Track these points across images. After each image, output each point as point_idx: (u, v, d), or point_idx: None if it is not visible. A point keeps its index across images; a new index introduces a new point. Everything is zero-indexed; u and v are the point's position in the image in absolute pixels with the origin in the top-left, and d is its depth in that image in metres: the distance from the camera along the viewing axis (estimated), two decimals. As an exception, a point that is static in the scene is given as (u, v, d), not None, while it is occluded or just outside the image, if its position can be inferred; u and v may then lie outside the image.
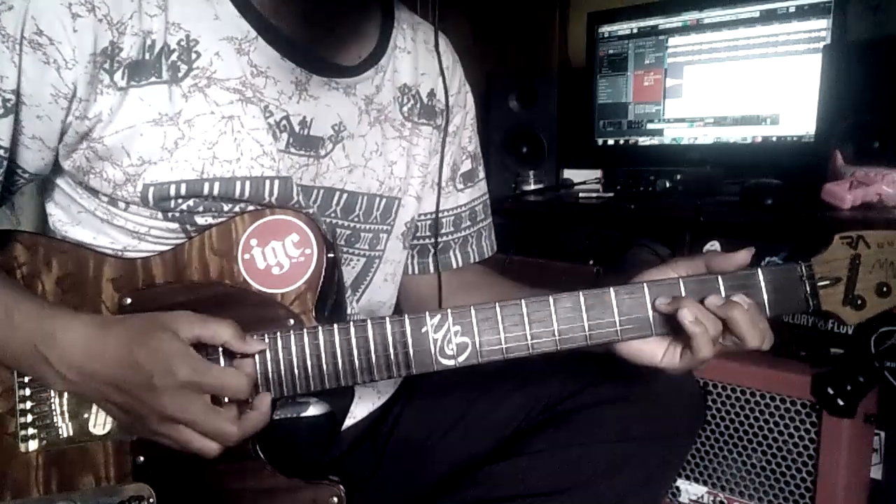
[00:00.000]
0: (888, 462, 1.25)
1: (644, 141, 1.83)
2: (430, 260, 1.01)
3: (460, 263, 1.02)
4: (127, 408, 0.67)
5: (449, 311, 0.71)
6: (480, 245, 1.04)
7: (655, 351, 0.72)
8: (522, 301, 0.70)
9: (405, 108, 0.90)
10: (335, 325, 0.71)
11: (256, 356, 0.70)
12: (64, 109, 0.68)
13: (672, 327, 0.70)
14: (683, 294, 0.70)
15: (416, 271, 1.01)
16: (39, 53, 0.65)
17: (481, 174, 1.04)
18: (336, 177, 0.83)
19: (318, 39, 0.78)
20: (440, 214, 0.97)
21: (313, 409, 0.86)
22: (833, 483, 1.17)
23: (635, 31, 1.81)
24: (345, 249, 0.87)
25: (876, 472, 1.27)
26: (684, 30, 1.73)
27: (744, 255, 0.72)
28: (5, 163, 0.69)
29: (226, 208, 0.75)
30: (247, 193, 0.74)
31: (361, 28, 0.84)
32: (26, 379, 0.72)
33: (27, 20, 0.64)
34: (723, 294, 0.71)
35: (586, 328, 0.70)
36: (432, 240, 0.99)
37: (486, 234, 1.05)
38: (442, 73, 0.90)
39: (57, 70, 0.66)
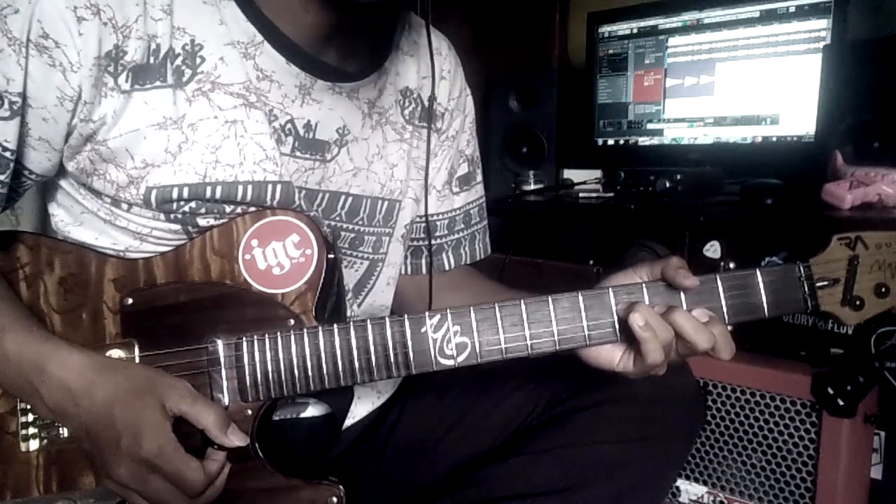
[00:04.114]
0: (888, 462, 1.26)
1: (644, 141, 1.83)
2: (423, 261, 1.01)
3: (452, 265, 1.02)
4: (93, 455, 0.68)
5: (448, 311, 0.71)
6: (473, 248, 1.04)
7: (613, 354, 0.73)
8: (522, 301, 0.70)
9: (406, 112, 0.90)
10: (335, 326, 0.71)
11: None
12: (69, 112, 0.68)
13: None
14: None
15: (409, 272, 1.02)
16: (45, 56, 0.65)
17: (478, 178, 1.04)
18: (342, 180, 0.83)
19: (325, 47, 0.78)
20: (434, 217, 0.98)
21: (313, 410, 0.87)
22: (833, 483, 1.17)
23: (635, 31, 1.81)
24: (349, 252, 0.87)
25: (876, 472, 1.27)
26: (684, 30, 1.73)
27: (690, 281, 0.70)
28: (12, 164, 0.69)
29: (228, 210, 0.75)
30: (248, 197, 0.75)
31: (370, 40, 0.84)
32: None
33: (33, 23, 0.64)
34: (722, 297, 0.71)
35: (585, 329, 0.71)
36: (426, 241, 1.00)
37: (479, 236, 1.05)
38: (433, 75, 0.90)
39: (62, 73, 0.66)
